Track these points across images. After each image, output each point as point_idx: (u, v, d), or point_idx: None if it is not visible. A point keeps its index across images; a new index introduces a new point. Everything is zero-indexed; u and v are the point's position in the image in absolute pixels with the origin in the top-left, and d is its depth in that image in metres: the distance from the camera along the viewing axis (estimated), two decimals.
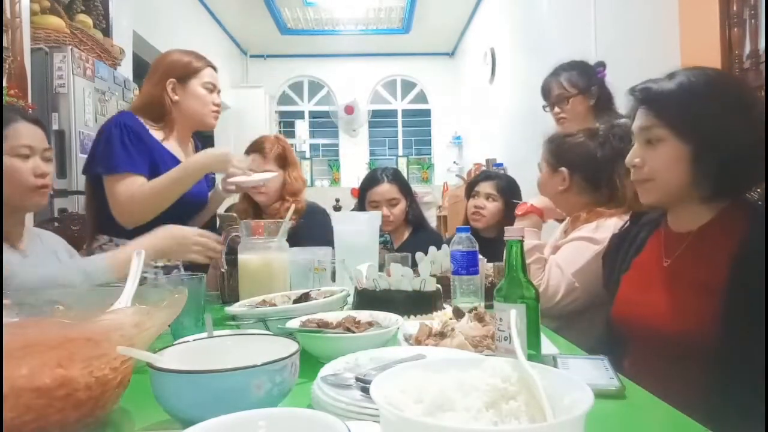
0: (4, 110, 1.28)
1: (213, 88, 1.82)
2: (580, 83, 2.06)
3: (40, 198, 1.31)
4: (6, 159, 1.23)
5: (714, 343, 0.90)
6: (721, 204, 1.00)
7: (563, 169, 1.56)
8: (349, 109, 7.46)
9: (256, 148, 2.17)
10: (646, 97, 1.02)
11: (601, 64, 2.16)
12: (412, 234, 2.38)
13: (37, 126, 1.33)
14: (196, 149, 1.94)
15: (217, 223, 1.94)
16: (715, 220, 1.00)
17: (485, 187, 2.39)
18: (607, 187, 1.54)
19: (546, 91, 2.15)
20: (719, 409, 0.86)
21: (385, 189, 2.31)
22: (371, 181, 2.36)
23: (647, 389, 0.82)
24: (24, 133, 1.27)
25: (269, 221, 1.49)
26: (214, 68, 1.85)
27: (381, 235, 2.26)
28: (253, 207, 2.19)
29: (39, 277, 1.20)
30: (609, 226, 1.45)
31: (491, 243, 2.07)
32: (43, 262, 1.34)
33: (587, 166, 1.55)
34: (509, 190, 2.37)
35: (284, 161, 2.17)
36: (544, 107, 2.19)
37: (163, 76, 1.76)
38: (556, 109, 2.09)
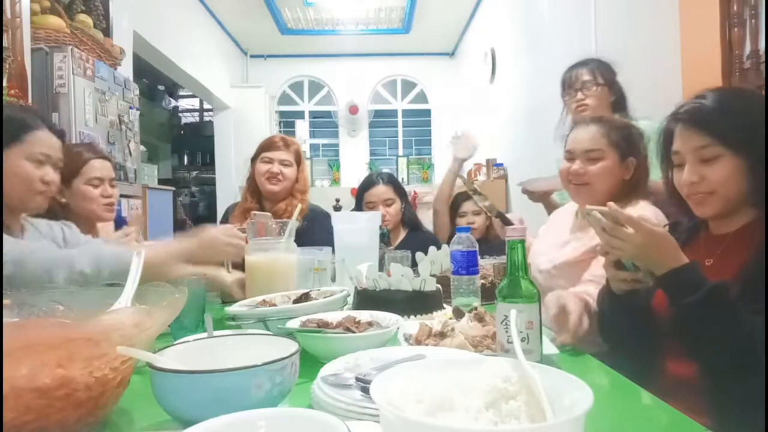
0: (29, 116, 1.37)
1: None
2: (607, 75, 2.05)
3: (42, 202, 1.38)
4: (22, 162, 1.30)
5: None
6: (755, 209, 1.07)
7: (632, 158, 1.49)
8: (354, 109, 7.44)
9: (270, 145, 2.21)
10: (696, 118, 1.07)
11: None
12: (408, 234, 2.51)
13: (58, 137, 1.41)
14: None
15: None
16: (752, 222, 1.07)
17: (469, 206, 2.77)
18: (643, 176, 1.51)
19: (570, 79, 2.10)
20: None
21: (381, 190, 2.46)
22: (368, 183, 2.53)
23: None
24: (44, 141, 1.35)
25: (276, 221, 1.50)
26: None
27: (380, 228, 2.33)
28: (259, 207, 2.21)
29: (53, 256, 1.19)
30: (646, 209, 1.42)
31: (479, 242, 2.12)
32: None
33: (645, 156, 1.51)
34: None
35: (299, 158, 2.26)
36: (563, 95, 2.14)
37: None
38: (580, 95, 2.04)
